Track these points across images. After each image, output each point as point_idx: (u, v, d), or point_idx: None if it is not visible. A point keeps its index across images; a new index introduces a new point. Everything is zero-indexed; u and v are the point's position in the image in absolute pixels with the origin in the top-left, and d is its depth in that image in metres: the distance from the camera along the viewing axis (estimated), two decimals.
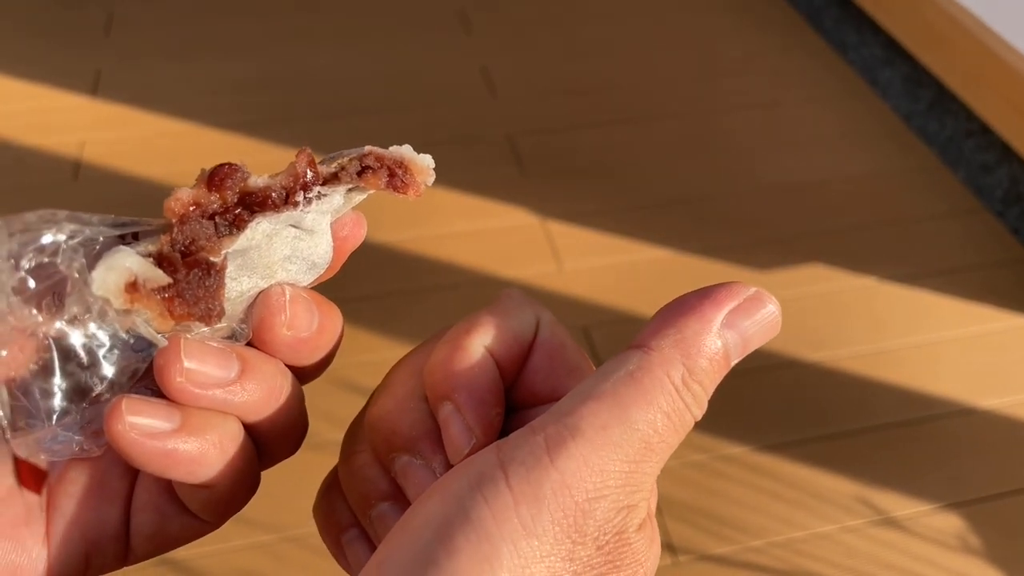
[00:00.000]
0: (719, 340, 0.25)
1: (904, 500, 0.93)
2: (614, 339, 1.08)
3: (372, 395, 0.28)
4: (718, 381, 0.25)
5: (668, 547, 0.89)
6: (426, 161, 0.26)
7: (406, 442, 0.26)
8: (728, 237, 1.22)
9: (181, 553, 0.89)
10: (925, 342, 1.09)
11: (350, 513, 0.28)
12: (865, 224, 1.26)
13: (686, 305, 0.25)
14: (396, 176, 0.25)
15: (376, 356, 1.05)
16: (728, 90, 1.53)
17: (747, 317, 0.25)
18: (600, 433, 0.22)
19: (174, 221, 0.22)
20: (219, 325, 0.24)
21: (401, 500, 0.26)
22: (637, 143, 1.42)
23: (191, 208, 0.22)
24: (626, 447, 0.22)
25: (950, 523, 0.91)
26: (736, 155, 1.39)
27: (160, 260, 0.22)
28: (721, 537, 0.90)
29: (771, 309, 0.26)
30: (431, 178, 0.26)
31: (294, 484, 0.98)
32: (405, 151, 0.25)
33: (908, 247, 1.22)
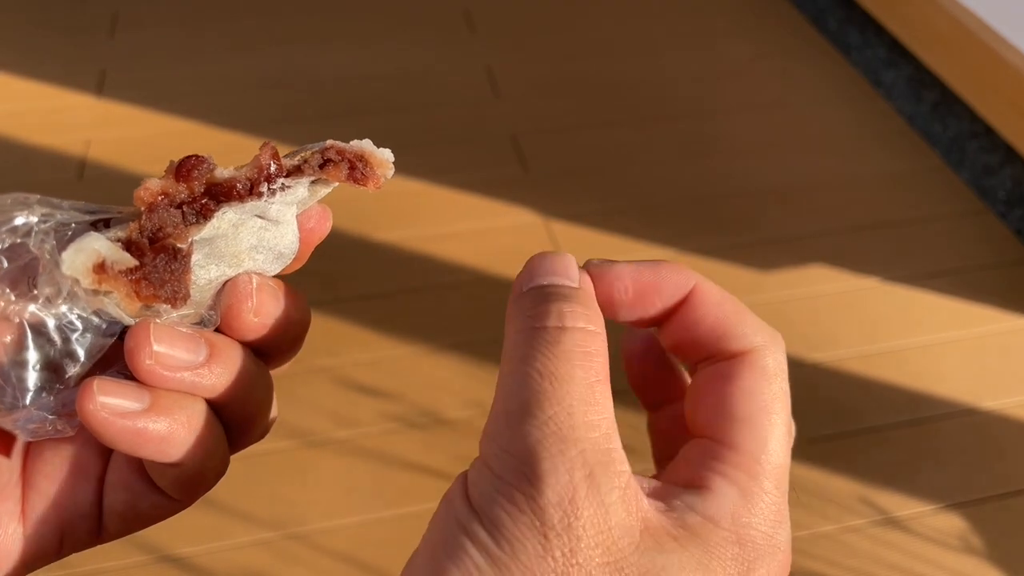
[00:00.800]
0: None
1: (906, 500, 0.93)
2: (617, 339, 1.08)
3: None
4: None
5: None
6: (385, 155, 0.27)
7: None
8: (731, 237, 1.22)
9: (184, 550, 0.89)
10: (927, 343, 1.09)
11: None
12: (868, 225, 1.26)
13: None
14: (357, 169, 0.26)
15: (378, 355, 1.05)
16: (732, 91, 1.53)
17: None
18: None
19: (143, 209, 0.23)
20: (187, 311, 0.25)
21: None
22: (640, 143, 1.42)
23: (160, 197, 0.23)
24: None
25: (952, 523, 0.91)
26: (739, 156, 1.39)
27: (128, 245, 0.23)
28: None
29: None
30: (390, 171, 0.27)
31: (297, 482, 0.99)
32: (365, 145, 0.26)
33: (911, 248, 1.22)
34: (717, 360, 0.26)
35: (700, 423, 0.25)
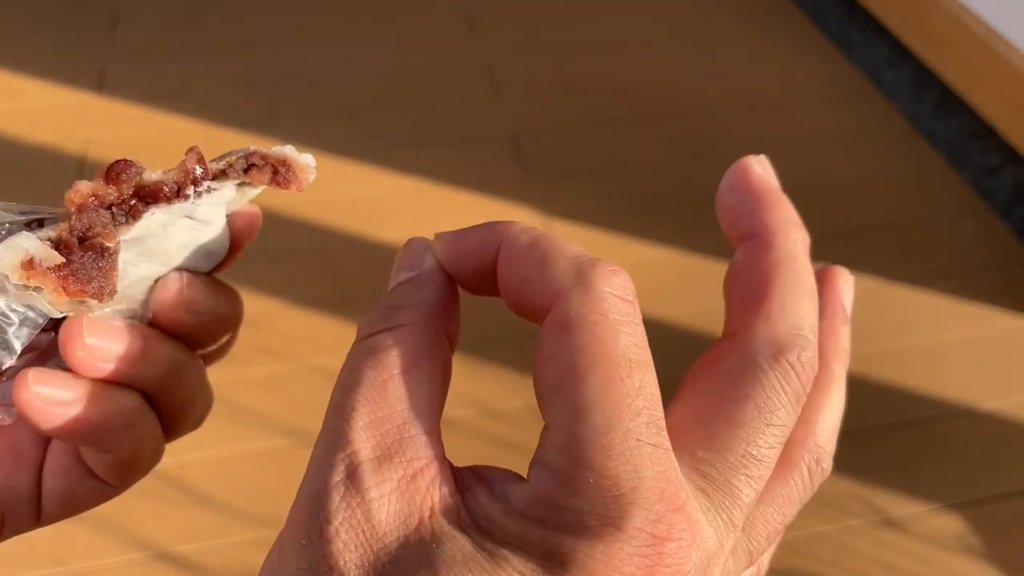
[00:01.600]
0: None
1: (904, 500, 0.92)
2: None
3: None
4: None
5: None
6: (307, 160, 0.28)
7: None
8: None
9: (181, 548, 0.89)
10: (927, 343, 1.09)
11: None
12: (868, 225, 1.26)
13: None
14: (279, 173, 0.27)
15: None
16: (733, 90, 1.53)
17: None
18: None
19: (73, 210, 0.25)
20: (121, 307, 0.27)
21: None
22: (641, 143, 1.42)
23: (90, 199, 0.25)
24: None
25: (951, 524, 0.90)
26: (740, 155, 1.38)
27: (58, 244, 0.24)
28: None
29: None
30: (312, 175, 0.28)
31: (294, 480, 0.99)
32: (287, 151, 0.28)
33: (911, 248, 1.22)
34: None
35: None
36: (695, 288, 1.13)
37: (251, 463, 0.94)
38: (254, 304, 1.14)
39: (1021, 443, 0.98)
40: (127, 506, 0.92)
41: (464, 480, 0.20)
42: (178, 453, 0.96)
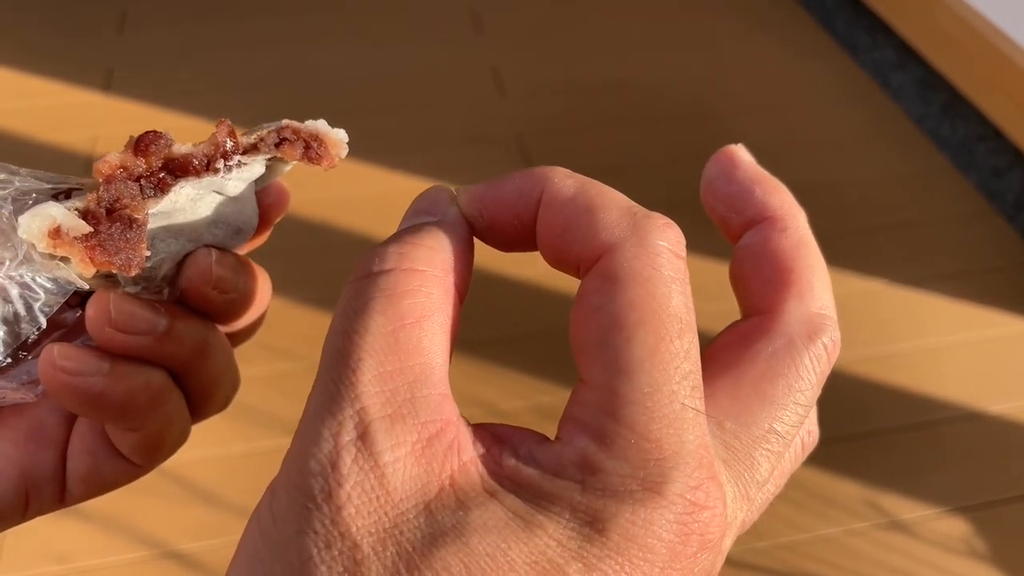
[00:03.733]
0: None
1: (910, 503, 0.92)
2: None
3: None
4: None
5: None
6: (340, 135, 0.27)
7: None
8: None
9: (188, 546, 0.89)
10: (934, 346, 1.08)
11: None
12: (875, 227, 1.25)
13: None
14: (311, 148, 0.27)
15: None
16: (739, 92, 1.53)
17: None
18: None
19: (101, 181, 0.24)
20: (148, 283, 0.26)
21: None
22: (646, 144, 1.41)
23: (118, 171, 0.24)
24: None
25: (956, 527, 0.90)
26: None
27: (85, 214, 0.24)
28: None
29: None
30: (344, 151, 0.27)
31: None
32: (320, 125, 0.27)
33: (918, 250, 1.21)
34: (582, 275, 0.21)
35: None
36: (697, 289, 1.13)
37: (256, 461, 0.94)
38: None
39: None
40: (132, 504, 0.92)
41: (484, 442, 0.19)
42: (183, 451, 0.96)
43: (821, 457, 0.96)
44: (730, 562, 0.88)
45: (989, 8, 1.30)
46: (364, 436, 0.18)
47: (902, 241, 1.23)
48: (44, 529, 0.90)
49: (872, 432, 0.99)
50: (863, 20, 1.58)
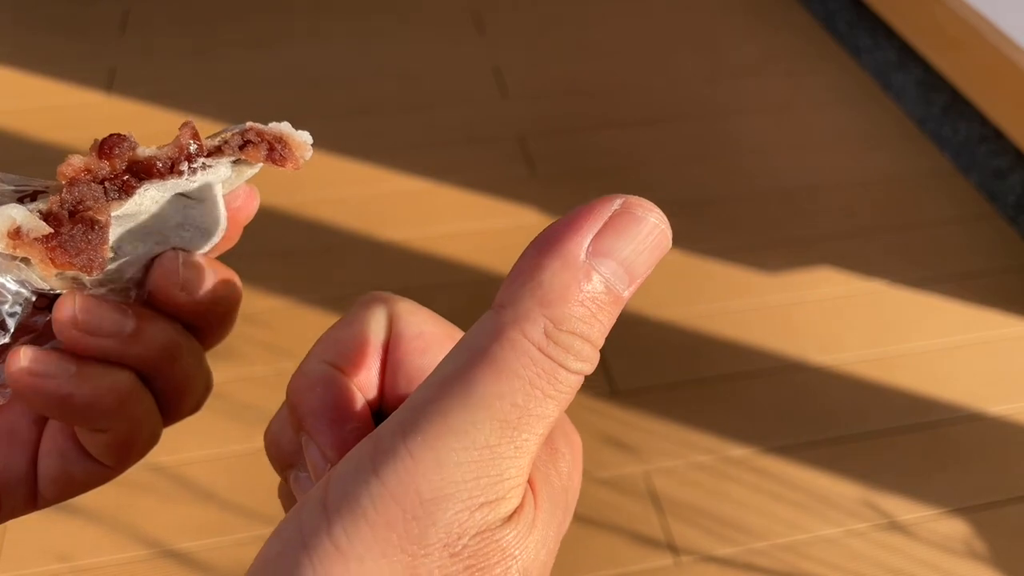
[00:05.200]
0: (593, 276, 0.20)
1: (910, 504, 0.92)
2: (622, 341, 1.08)
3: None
4: (607, 322, 0.20)
5: (670, 547, 0.89)
6: (304, 137, 0.28)
7: (290, 457, 0.25)
8: (738, 239, 1.22)
9: (185, 546, 0.89)
10: (934, 347, 1.08)
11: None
12: (876, 228, 1.25)
13: (543, 241, 0.20)
14: (275, 150, 0.27)
15: None
16: (741, 92, 1.53)
17: (621, 238, 0.20)
18: (438, 423, 0.18)
19: (64, 183, 0.24)
20: (115, 285, 0.27)
21: None
22: (648, 144, 1.41)
23: (82, 173, 0.24)
24: (473, 433, 0.18)
25: (955, 528, 0.90)
26: (748, 157, 1.39)
27: (48, 216, 0.24)
28: (724, 538, 0.90)
29: (652, 221, 0.20)
30: (308, 153, 0.28)
31: None
32: (284, 127, 0.27)
33: (919, 251, 1.21)
34: None
35: None
36: (698, 290, 1.13)
37: (256, 461, 0.95)
38: (261, 302, 1.14)
39: None
40: (132, 503, 0.93)
41: None
42: (183, 451, 0.96)
43: (820, 458, 0.96)
44: (729, 562, 0.88)
45: (991, 9, 1.30)
46: (514, 514, 0.20)
47: (902, 242, 1.23)
48: (44, 528, 0.91)
49: (872, 432, 0.99)
50: (865, 21, 1.58)
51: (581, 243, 0.20)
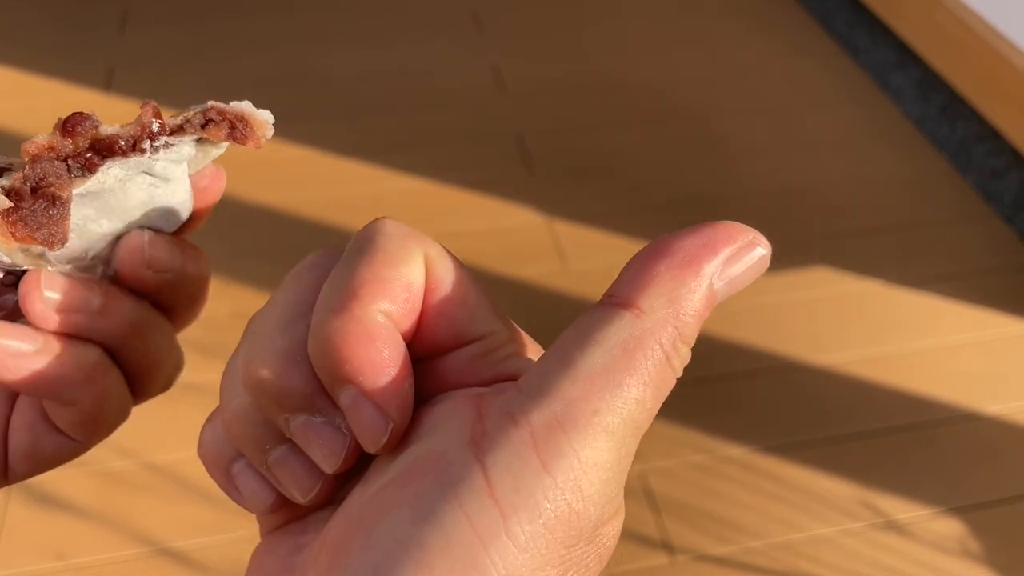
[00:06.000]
0: (711, 293, 0.22)
1: (905, 504, 0.92)
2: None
3: (241, 345, 0.24)
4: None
5: (666, 546, 0.89)
6: (265, 116, 0.28)
7: (301, 400, 0.22)
8: None
9: (182, 544, 0.89)
10: (930, 347, 1.08)
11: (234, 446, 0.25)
12: (873, 228, 1.26)
13: (678, 252, 0.22)
14: (237, 129, 0.27)
15: None
16: (739, 92, 1.53)
17: (738, 263, 0.22)
18: (593, 421, 0.20)
19: (27, 160, 0.25)
20: (82, 263, 0.27)
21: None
22: (646, 144, 1.42)
23: (46, 151, 0.25)
24: (619, 433, 0.20)
25: (951, 528, 0.90)
26: (746, 157, 1.39)
27: (9, 192, 0.24)
28: (720, 538, 0.90)
29: (761, 252, 0.23)
30: (270, 132, 0.28)
31: None
32: (245, 106, 0.28)
33: (916, 251, 1.21)
34: None
35: None
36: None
37: None
38: (258, 302, 1.14)
39: (1022, 448, 0.98)
40: (129, 501, 0.93)
41: None
42: (179, 449, 0.97)
43: (817, 458, 0.96)
44: (725, 562, 0.88)
45: (989, 9, 1.30)
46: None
47: (899, 241, 1.23)
48: (41, 525, 0.91)
49: (868, 432, 0.99)
50: (863, 21, 1.58)
51: (716, 268, 0.22)
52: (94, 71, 1.54)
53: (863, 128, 1.45)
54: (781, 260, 1.20)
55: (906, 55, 1.47)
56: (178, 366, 0.31)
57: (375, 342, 0.22)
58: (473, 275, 0.25)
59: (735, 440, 0.98)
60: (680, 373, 0.21)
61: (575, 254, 1.20)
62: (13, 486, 0.74)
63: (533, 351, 0.25)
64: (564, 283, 1.16)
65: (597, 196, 1.30)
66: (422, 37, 1.67)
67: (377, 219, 0.25)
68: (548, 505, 0.19)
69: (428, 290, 0.24)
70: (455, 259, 0.25)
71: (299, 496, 0.23)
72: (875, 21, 1.55)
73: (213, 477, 0.25)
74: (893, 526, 0.91)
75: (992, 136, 1.29)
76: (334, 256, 0.25)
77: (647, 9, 1.75)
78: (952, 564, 0.87)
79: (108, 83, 1.52)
